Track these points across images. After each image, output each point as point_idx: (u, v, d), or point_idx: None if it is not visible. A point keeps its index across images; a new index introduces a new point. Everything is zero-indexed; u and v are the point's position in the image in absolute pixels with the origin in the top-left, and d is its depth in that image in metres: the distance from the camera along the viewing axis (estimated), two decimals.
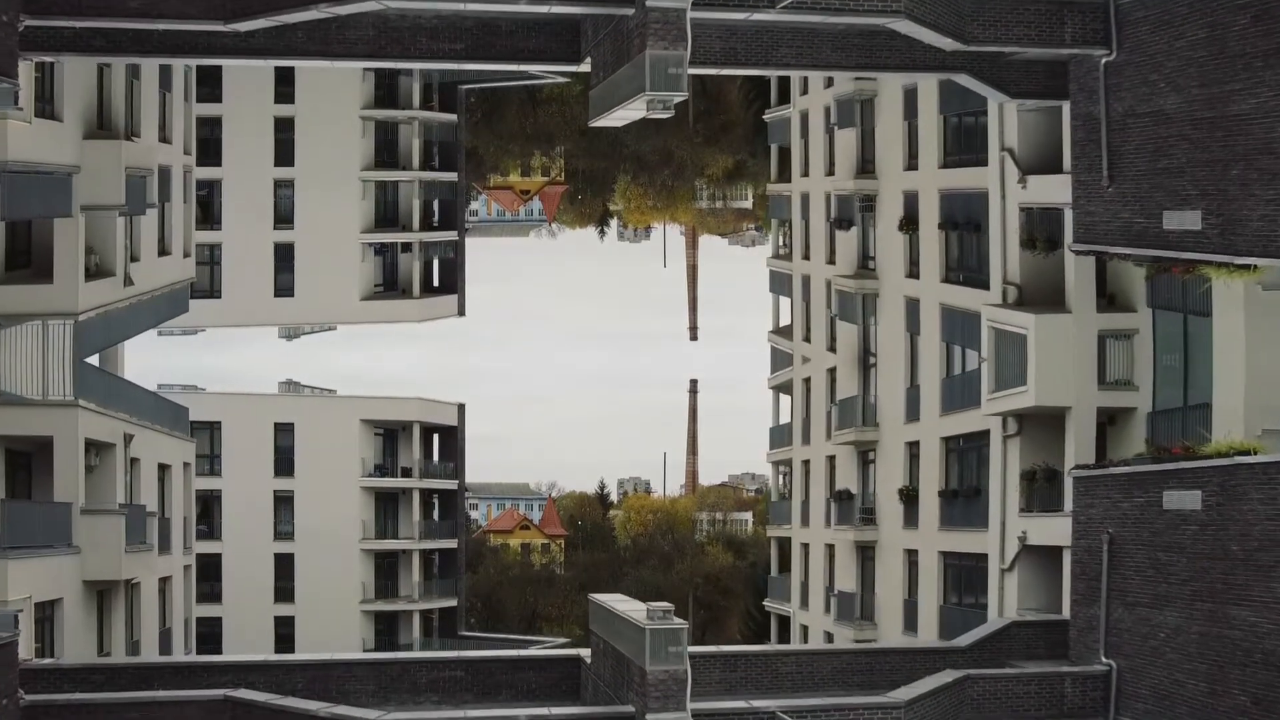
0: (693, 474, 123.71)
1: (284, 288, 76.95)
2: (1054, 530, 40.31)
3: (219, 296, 76.26)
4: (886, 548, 52.96)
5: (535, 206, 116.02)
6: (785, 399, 69.71)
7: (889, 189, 53.06)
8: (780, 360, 67.62)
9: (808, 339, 63.11)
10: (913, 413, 51.11)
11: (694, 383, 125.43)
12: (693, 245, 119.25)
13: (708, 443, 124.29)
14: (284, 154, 76.10)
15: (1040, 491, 41.69)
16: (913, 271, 51.40)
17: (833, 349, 59.56)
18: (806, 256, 62.98)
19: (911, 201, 50.94)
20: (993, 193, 43.98)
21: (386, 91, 78.48)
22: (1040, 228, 41.88)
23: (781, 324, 69.59)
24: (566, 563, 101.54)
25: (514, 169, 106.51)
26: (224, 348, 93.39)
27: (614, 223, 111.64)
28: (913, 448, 50.99)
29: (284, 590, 74.98)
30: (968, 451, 47.44)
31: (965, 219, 47.31)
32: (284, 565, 75.35)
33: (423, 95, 78.45)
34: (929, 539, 49.04)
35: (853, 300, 55.44)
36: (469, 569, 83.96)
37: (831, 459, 58.43)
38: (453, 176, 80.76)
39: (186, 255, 53.35)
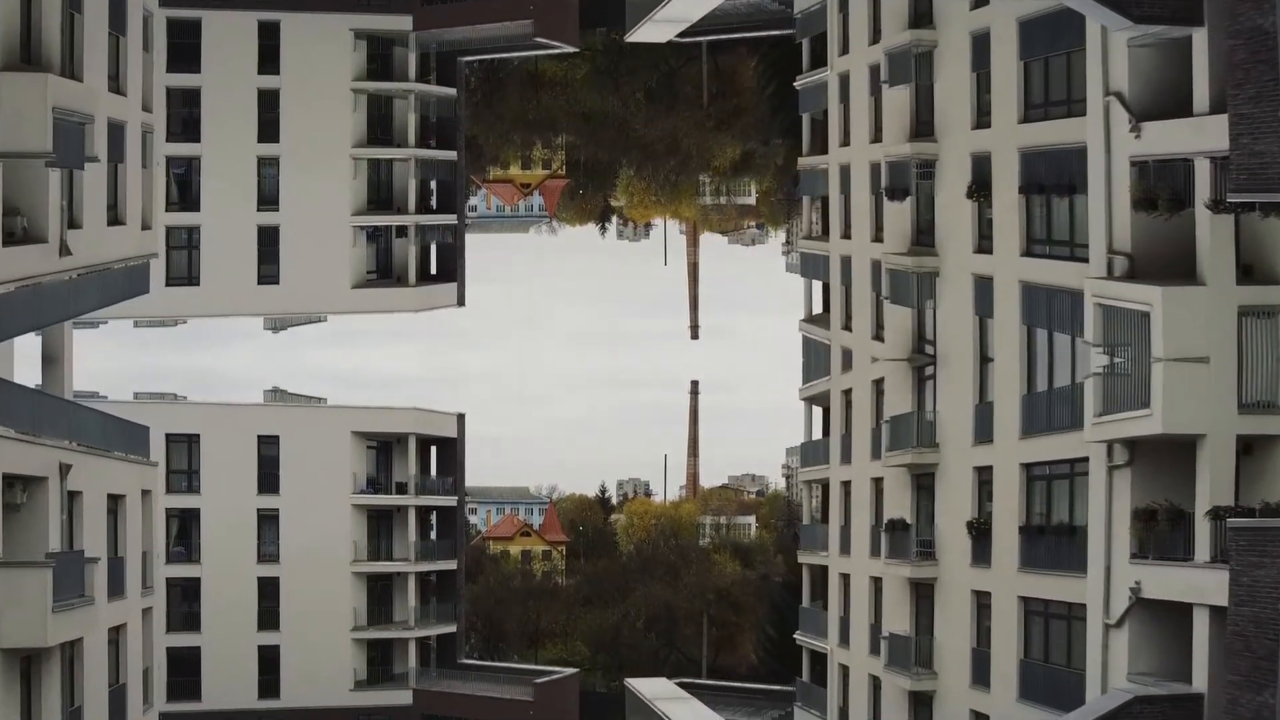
0: (693, 476, 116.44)
1: (268, 275, 70.31)
2: (1179, 583, 32.58)
3: (198, 284, 69.94)
4: (949, 587, 44.91)
5: (535, 202, 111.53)
6: (810, 411, 61.70)
7: (953, 152, 45.08)
8: (816, 358, 59.33)
9: (848, 326, 55.09)
10: (983, 433, 43.08)
11: (695, 384, 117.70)
12: (693, 243, 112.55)
13: (707, 443, 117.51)
14: (268, 129, 69.43)
15: (1159, 535, 33.40)
16: (983, 245, 43.43)
17: (879, 337, 51.54)
18: (847, 235, 55.01)
19: (982, 164, 42.97)
20: (1093, 146, 35.97)
21: (380, 63, 71.51)
22: (1161, 184, 33.75)
23: (815, 311, 61.55)
24: (569, 571, 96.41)
25: (514, 160, 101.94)
26: (205, 342, 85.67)
27: (614, 220, 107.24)
28: (983, 474, 43.05)
29: (268, 617, 67.92)
30: (1057, 480, 39.41)
31: (1055, 180, 39.35)
32: (268, 590, 68.24)
33: (419, 67, 71.15)
34: (1005, 581, 41.02)
35: (907, 280, 47.36)
36: (468, 579, 77.18)
37: (878, 482, 50.50)
38: (452, 155, 73.79)
39: (147, 228, 45.29)
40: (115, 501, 41.22)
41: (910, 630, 46.67)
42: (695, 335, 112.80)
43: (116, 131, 41.49)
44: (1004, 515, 41.33)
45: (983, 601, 42.58)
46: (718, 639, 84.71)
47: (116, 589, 40.06)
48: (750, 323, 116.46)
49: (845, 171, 55.06)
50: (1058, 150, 38.89)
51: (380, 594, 70.31)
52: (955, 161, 44.80)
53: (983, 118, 43.42)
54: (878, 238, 51.44)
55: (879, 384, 51.35)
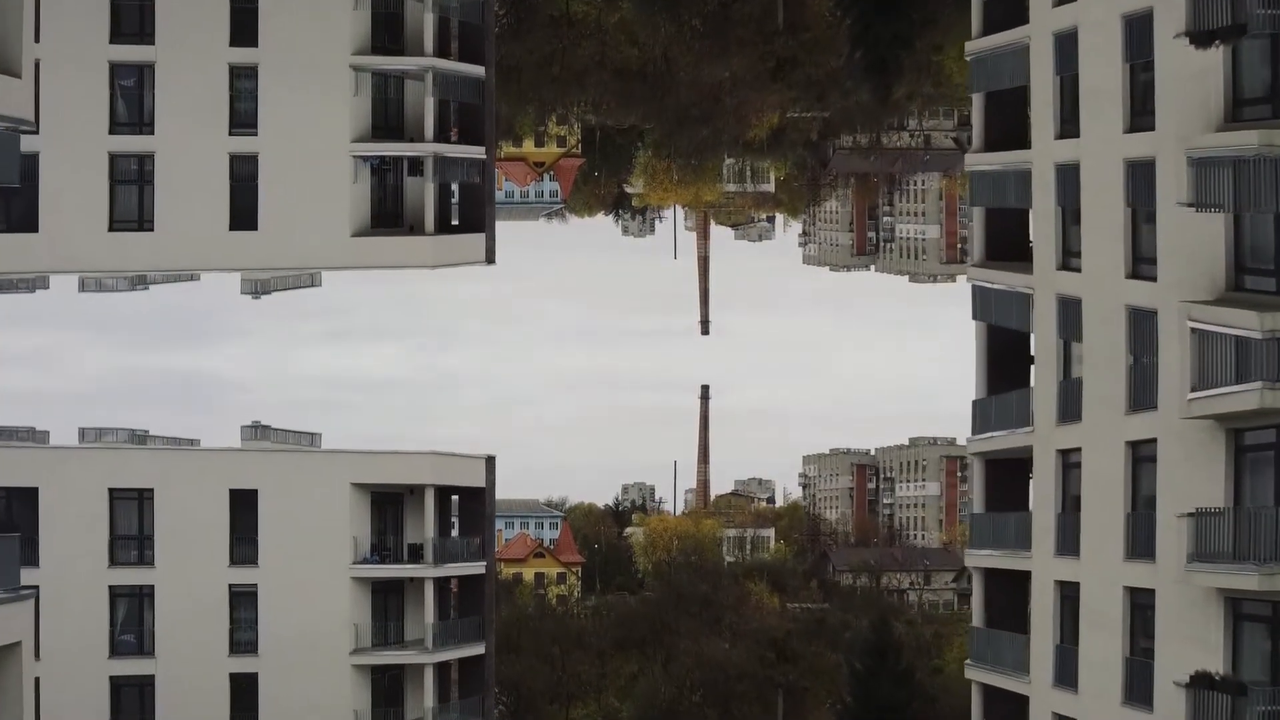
0: (703, 483, 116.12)
1: (244, 218, 55.09)
2: None
3: (151, 229, 54.83)
4: None
5: (545, 187, 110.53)
6: (984, 470, 44.97)
7: None
8: (1002, 312, 40.11)
9: (1071, 265, 36.31)
10: None
11: (705, 389, 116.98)
12: (704, 236, 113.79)
13: (712, 444, 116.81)
14: (244, 30, 54.96)
15: None
16: None
17: (1141, 273, 32.67)
18: (1068, 133, 36.19)
19: None
20: None
21: None
22: None
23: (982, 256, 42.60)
24: (590, 598, 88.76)
25: (528, 133, 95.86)
26: (177, 330, 70.35)
27: (621, 215, 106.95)
28: None
29: None
30: None
31: None
32: (244, 689, 55.30)
33: None
34: None
35: (1224, 174, 28.26)
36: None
37: (1136, 595, 33.70)
38: (479, 70, 57.07)
39: (13, 74, 26.42)
40: None
41: None
42: (705, 330, 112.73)
43: None
44: None
45: None
46: (785, 705, 73.71)
47: None
48: (760, 320, 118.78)
49: (1065, 41, 36.76)
50: None
51: (388, 691, 56.24)
52: None
53: None
54: (1136, 125, 32.70)
55: (1138, 447, 33.37)
